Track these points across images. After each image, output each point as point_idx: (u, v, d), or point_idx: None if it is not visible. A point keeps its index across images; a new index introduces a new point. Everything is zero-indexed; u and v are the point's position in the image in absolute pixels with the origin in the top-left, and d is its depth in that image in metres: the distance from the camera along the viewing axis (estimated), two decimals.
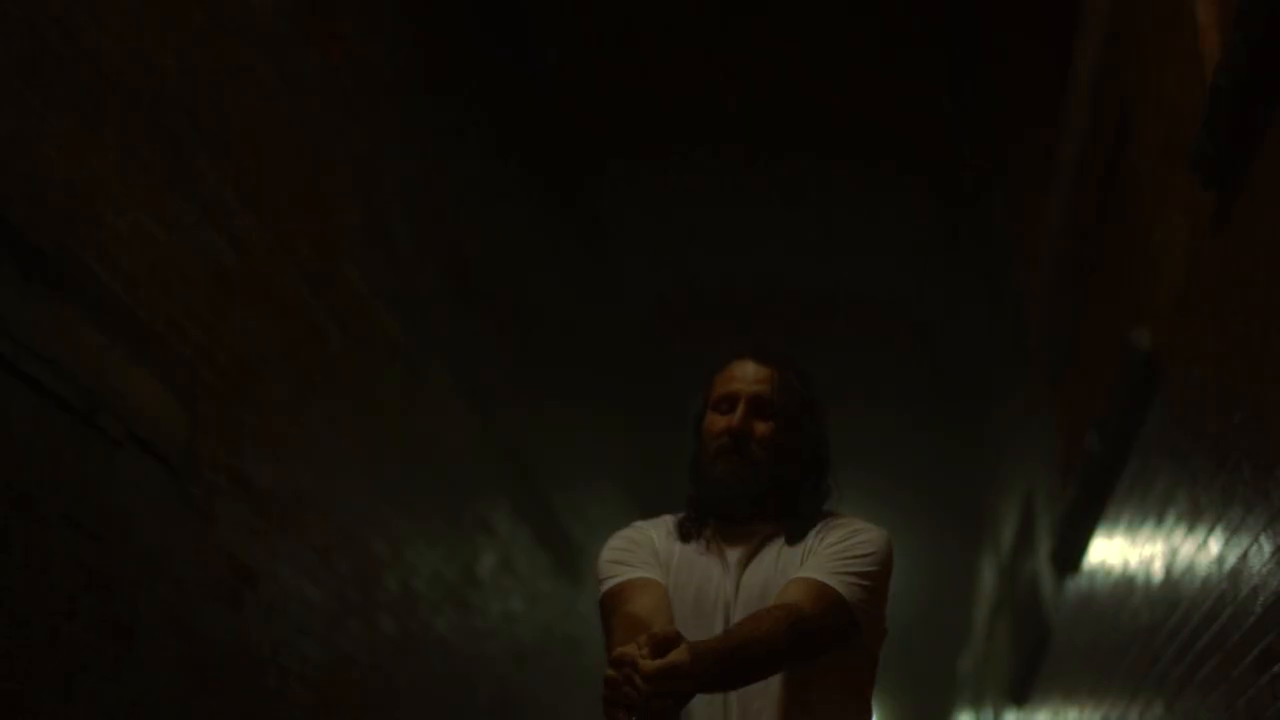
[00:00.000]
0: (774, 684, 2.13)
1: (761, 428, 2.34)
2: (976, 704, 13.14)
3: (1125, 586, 4.86)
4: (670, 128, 7.35)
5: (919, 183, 7.71)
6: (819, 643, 2.13)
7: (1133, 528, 4.71)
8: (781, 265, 8.32)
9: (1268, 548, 3.04)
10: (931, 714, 16.75)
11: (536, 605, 7.36)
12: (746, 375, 2.38)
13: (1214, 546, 3.53)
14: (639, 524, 2.44)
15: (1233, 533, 3.35)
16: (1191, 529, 3.80)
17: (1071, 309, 6.34)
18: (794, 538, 2.30)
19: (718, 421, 2.37)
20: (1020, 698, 8.51)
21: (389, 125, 5.56)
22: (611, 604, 2.24)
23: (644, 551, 2.33)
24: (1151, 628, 4.35)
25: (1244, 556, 3.24)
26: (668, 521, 2.43)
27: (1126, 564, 4.84)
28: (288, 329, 4.44)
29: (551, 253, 7.94)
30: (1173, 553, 4.04)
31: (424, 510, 5.62)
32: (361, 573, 4.93)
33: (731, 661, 1.96)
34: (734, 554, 2.30)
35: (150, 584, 3.46)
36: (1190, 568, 3.81)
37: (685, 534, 2.37)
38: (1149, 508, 4.42)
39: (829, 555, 2.22)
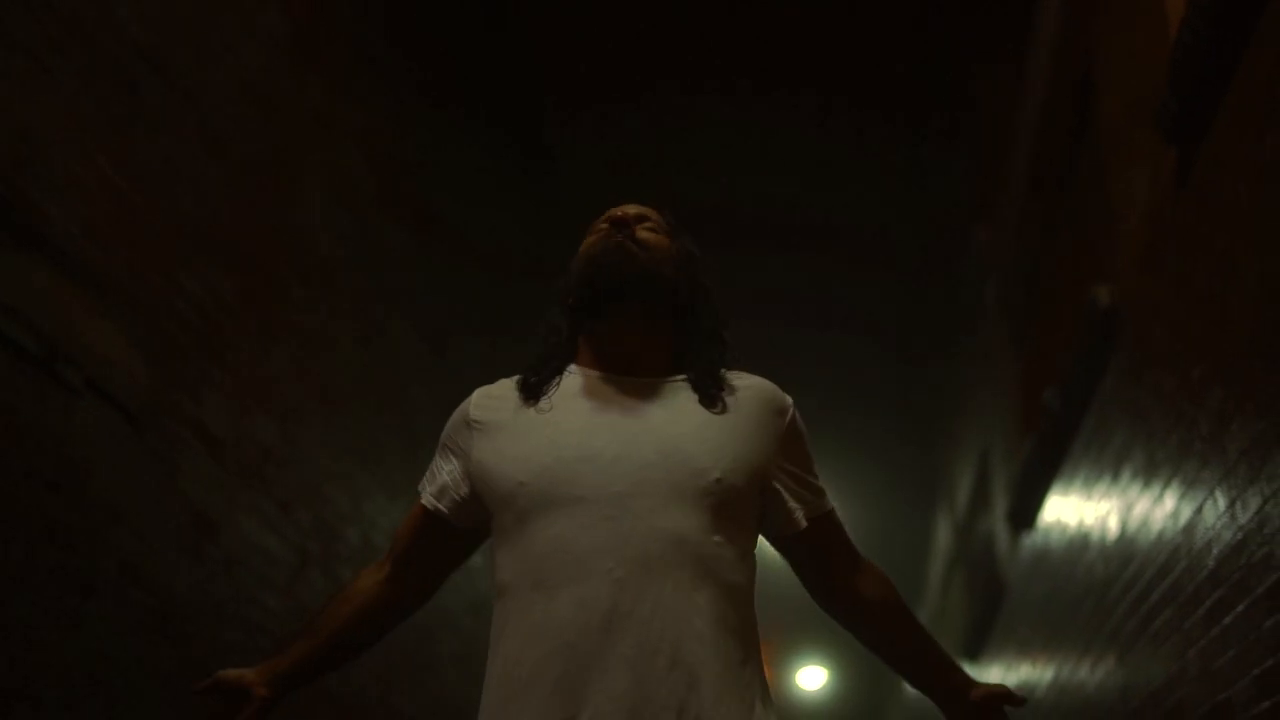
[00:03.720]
0: (689, 599, 1.77)
1: (651, 235, 2.03)
2: None
3: (1080, 542, 4.92)
4: (628, 65, 7.30)
5: (878, 148, 7.71)
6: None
7: (1089, 484, 4.77)
8: (738, 196, 8.27)
9: (1222, 502, 3.08)
10: (885, 669, 16.91)
11: None
12: (627, 206, 2.08)
13: (1169, 501, 3.58)
14: (475, 393, 2.05)
15: (1188, 487, 3.39)
16: (1147, 484, 3.85)
17: (1032, 265, 6.37)
18: (703, 392, 1.95)
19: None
20: (974, 653, 8.62)
21: (350, 74, 5.50)
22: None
23: (445, 452, 2.03)
24: (1106, 582, 4.41)
25: (1199, 511, 3.28)
26: (511, 383, 2.04)
27: (1082, 520, 4.90)
28: (249, 279, 4.40)
29: (510, 199, 7.89)
30: (1128, 508, 4.09)
31: (385, 464, 5.60)
32: (322, 525, 4.92)
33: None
34: (621, 399, 1.93)
35: (110, 535, 3.44)
36: (1145, 523, 3.86)
37: (530, 389, 1.98)
38: (1105, 464, 4.47)
39: (801, 469, 2.01)
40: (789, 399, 2.04)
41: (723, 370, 2.01)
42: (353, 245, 5.38)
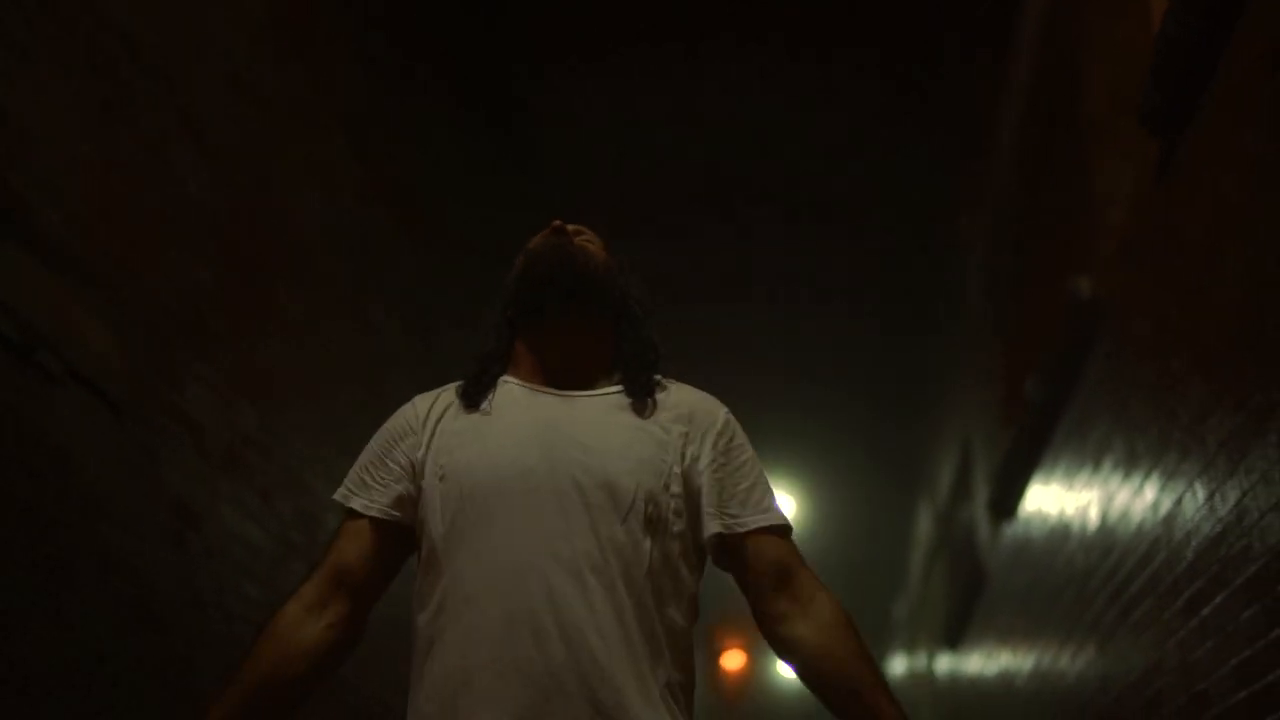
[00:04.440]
0: (621, 611, 1.79)
1: (589, 245, 2.11)
2: (911, 648, 13.35)
3: (1061, 532, 4.94)
4: (621, 56, 7.26)
5: (869, 133, 7.71)
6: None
7: (1070, 474, 4.78)
8: (728, 182, 8.26)
9: (1201, 494, 3.10)
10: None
11: None
12: (565, 224, 2.16)
13: (1149, 492, 3.60)
14: (415, 400, 2.10)
15: (1168, 479, 3.41)
16: (1127, 475, 3.86)
17: (1015, 254, 6.39)
18: (637, 401, 1.97)
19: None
20: (954, 642, 8.65)
21: (332, 60, 5.47)
22: (336, 532, 2.04)
23: (392, 461, 2.03)
24: (1086, 572, 4.42)
25: (1178, 502, 3.30)
26: (452, 390, 2.08)
27: (1063, 510, 4.92)
28: (231, 267, 4.38)
29: (501, 192, 7.87)
30: (1108, 499, 4.11)
31: None
32: (304, 514, 4.91)
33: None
34: (555, 414, 1.94)
35: (92, 524, 3.42)
36: (1125, 513, 3.87)
37: (470, 398, 2.01)
38: (1086, 454, 4.49)
39: (731, 478, 1.95)
40: (723, 409, 2.03)
41: (660, 381, 2.03)
42: (339, 235, 5.37)
